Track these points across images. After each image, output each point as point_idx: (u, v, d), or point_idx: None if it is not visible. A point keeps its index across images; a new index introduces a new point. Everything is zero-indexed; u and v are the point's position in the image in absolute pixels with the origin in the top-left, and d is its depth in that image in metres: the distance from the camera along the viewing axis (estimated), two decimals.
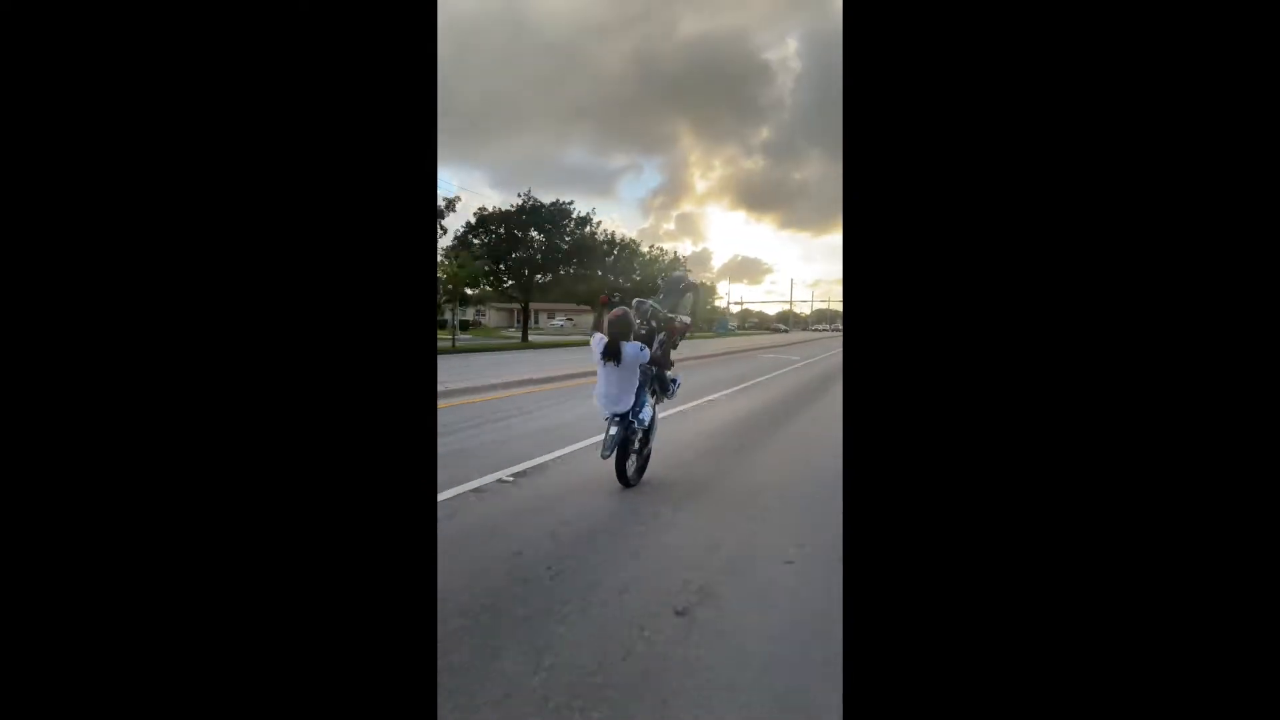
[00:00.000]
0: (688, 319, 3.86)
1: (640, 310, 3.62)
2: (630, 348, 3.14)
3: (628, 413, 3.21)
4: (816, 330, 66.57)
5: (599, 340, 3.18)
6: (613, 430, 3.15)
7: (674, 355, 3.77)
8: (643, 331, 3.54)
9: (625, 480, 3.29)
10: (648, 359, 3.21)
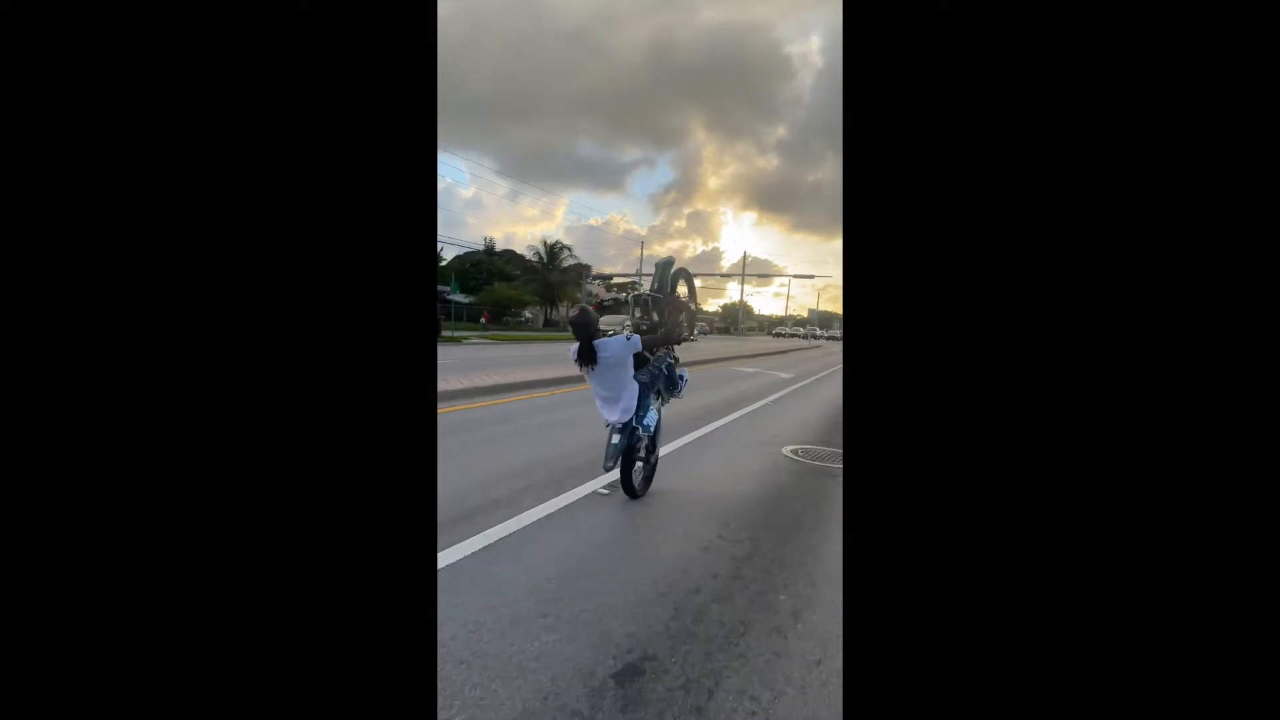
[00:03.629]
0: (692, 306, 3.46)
1: (638, 302, 3.30)
2: (609, 344, 2.89)
3: (630, 420, 3.01)
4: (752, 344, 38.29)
5: (573, 349, 2.97)
6: (615, 439, 2.98)
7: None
8: (644, 327, 3.31)
9: (632, 491, 3.16)
10: (639, 346, 2.93)
